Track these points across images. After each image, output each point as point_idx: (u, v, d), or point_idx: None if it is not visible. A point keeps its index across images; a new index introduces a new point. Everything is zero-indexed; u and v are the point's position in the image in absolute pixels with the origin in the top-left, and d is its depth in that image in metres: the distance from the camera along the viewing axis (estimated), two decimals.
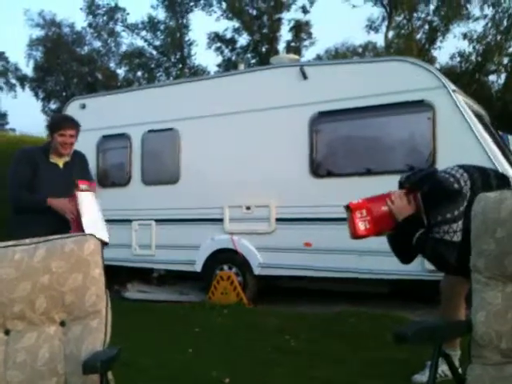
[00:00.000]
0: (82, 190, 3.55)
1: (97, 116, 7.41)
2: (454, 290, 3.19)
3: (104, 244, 3.46)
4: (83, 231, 3.38)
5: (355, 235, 2.97)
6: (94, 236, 2.05)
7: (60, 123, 3.71)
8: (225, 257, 6.53)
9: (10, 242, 2.02)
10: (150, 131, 7.01)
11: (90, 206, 3.52)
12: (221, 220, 6.46)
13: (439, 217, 2.78)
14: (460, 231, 2.77)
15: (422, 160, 5.43)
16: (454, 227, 2.77)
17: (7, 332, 1.93)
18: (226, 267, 6.52)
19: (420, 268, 5.14)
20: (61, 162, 3.72)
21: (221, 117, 6.55)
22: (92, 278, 1.96)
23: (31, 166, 3.60)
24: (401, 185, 3.05)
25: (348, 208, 2.95)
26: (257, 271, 6.33)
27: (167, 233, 6.78)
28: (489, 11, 19.89)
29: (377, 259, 5.39)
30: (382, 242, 5.69)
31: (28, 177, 3.58)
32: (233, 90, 6.58)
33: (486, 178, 2.95)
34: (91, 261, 1.97)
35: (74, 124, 3.73)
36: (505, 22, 19.73)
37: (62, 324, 1.95)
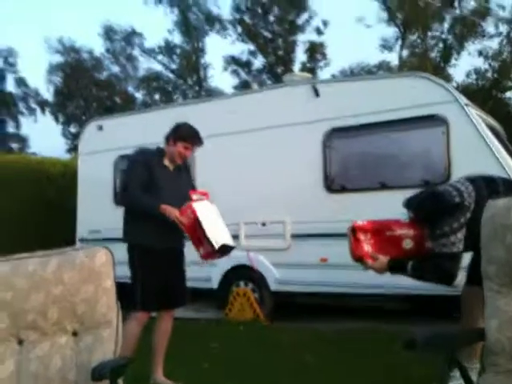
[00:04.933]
0: (195, 200, 3.55)
1: (113, 136, 7.55)
2: (473, 301, 3.14)
3: (231, 248, 3.55)
4: (205, 241, 3.42)
5: (358, 255, 2.96)
6: (107, 248, 2.07)
7: (191, 137, 3.76)
8: (241, 273, 6.52)
9: (24, 254, 2.06)
10: None
11: (207, 214, 3.51)
12: (236, 236, 6.47)
13: (438, 231, 2.82)
14: (460, 242, 2.79)
15: (437, 174, 5.41)
16: (452, 239, 2.79)
17: (21, 342, 1.96)
18: (242, 284, 6.53)
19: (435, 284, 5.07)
20: (171, 166, 3.79)
21: (236, 135, 6.62)
22: (103, 288, 1.98)
23: (147, 167, 3.64)
24: (405, 206, 3.05)
25: (352, 227, 2.95)
26: (273, 287, 6.31)
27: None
28: (503, 29, 19.89)
29: (387, 274, 5.33)
30: None
31: (142, 177, 3.60)
32: (247, 108, 6.66)
33: (493, 186, 2.95)
34: (102, 272, 1.99)
35: (200, 141, 3.81)
36: None
37: (74, 334, 1.97)
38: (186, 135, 3.74)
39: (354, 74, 22.36)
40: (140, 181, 3.60)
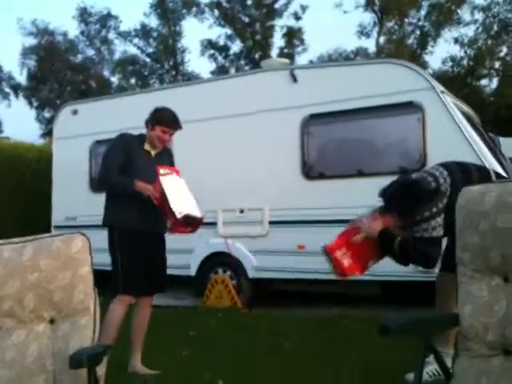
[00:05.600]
0: (162, 175, 3.56)
1: (89, 121, 7.44)
2: (449, 287, 3.18)
3: (199, 221, 3.56)
4: (170, 213, 3.44)
5: (344, 273, 3.02)
6: (83, 234, 2.05)
7: (169, 121, 3.72)
8: (219, 260, 6.54)
9: None
10: None
11: (173, 186, 3.55)
12: (214, 224, 6.47)
13: (417, 216, 2.88)
14: (440, 226, 2.86)
15: (412, 160, 5.48)
16: (433, 224, 2.86)
17: None
18: (220, 271, 6.54)
19: (412, 269, 5.15)
20: (153, 151, 3.78)
21: (213, 121, 6.59)
22: (80, 275, 1.97)
23: (126, 151, 3.65)
24: (381, 196, 3.09)
25: (326, 251, 2.99)
26: (251, 274, 6.34)
27: None
28: (479, 16, 20.08)
29: None
30: None
31: (121, 161, 3.62)
32: (224, 94, 6.63)
33: (467, 173, 3.02)
34: (79, 258, 1.98)
35: (179, 126, 3.77)
36: (495, 27, 19.92)
37: (51, 321, 1.96)
38: (163, 119, 3.72)
39: (331, 59, 22.37)
40: (118, 164, 3.61)
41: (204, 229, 6.45)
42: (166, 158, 3.90)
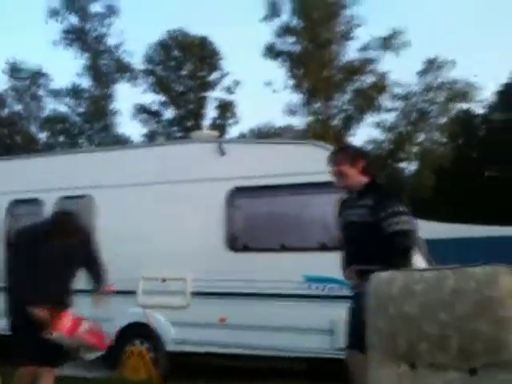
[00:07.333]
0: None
1: (8, 179, 7.18)
2: (359, 366, 3.16)
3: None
4: None
5: None
6: None
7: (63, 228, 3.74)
8: (137, 331, 6.26)
9: None
10: (65, 197, 6.83)
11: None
12: (134, 292, 6.27)
13: (382, 213, 2.99)
14: (407, 223, 2.99)
15: (333, 237, 5.62)
16: (396, 220, 2.97)
17: None
18: (137, 342, 6.25)
19: (329, 346, 5.21)
20: (61, 240, 3.71)
21: (138, 187, 6.55)
22: None
23: (29, 245, 3.60)
24: None
25: None
26: (170, 347, 6.11)
27: (76, 305, 6.47)
28: (399, 104, 21.63)
29: (285, 336, 5.41)
30: (293, 319, 5.71)
31: (26, 256, 3.55)
32: (152, 161, 6.65)
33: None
34: None
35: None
36: (414, 115, 21.49)
37: None
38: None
39: (261, 133, 23.10)
40: (23, 262, 3.57)
41: (123, 297, 6.31)
42: (80, 243, 3.88)
